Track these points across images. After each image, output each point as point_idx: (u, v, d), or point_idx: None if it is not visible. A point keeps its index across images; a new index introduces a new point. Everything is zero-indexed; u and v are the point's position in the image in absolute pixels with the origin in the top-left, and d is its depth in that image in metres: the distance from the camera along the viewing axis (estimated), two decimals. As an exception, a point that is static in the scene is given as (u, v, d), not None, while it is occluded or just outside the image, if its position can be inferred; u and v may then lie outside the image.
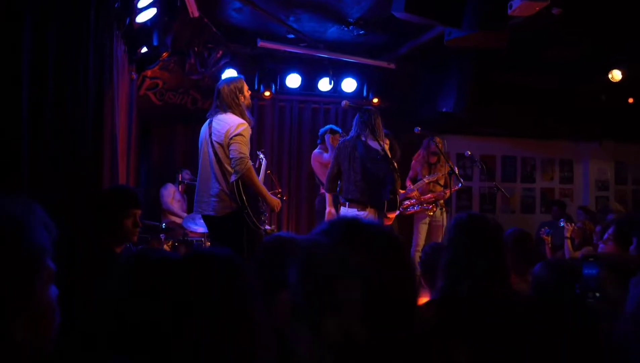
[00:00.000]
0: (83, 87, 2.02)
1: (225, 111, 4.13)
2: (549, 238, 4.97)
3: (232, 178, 3.99)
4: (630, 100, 8.58)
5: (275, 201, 4.28)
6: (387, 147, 5.86)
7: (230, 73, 6.90)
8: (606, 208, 8.91)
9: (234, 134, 3.98)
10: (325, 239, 0.96)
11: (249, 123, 4.15)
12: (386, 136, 5.48)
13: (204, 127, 4.29)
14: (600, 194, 10.06)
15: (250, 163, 4.00)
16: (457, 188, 6.26)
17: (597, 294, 1.81)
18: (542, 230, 5.34)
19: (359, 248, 0.92)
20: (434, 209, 6.27)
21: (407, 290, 0.96)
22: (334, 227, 0.98)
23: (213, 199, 4.09)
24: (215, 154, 4.09)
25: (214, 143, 4.10)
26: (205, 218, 4.28)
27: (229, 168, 4.03)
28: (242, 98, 4.19)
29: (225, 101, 4.14)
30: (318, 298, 0.90)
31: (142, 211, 2.68)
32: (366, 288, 0.88)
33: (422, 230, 6.39)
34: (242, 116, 4.13)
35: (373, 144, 4.86)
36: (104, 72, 2.83)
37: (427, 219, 6.33)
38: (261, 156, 5.18)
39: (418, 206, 6.25)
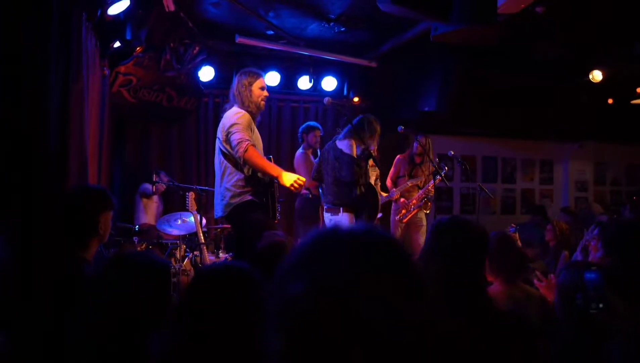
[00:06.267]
0: (42, 80, 1.82)
1: (231, 105, 4.08)
2: (517, 235, 4.89)
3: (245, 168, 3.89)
4: (610, 101, 8.63)
5: (289, 176, 3.84)
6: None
7: (207, 70, 6.73)
8: (588, 210, 8.92)
9: (229, 125, 3.88)
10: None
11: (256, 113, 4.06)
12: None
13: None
14: (579, 195, 10.10)
15: (247, 144, 3.78)
16: (435, 182, 6.19)
17: (601, 305, 1.67)
18: (510, 228, 5.29)
19: None
20: (429, 204, 6.21)
21: None
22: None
23: (219, 199, 4.02)
24: (220, 150, 4.02)
25: (218, 137, 4.04)
26: (224, 221, 4.24)
27: (232, 163, 3.93)
28: (247, 92, 4.04)
29: (232, 93, 4.09)
30: None
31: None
32: None
33: (397, 233, 6.39)
34: (246, 108, 4.01)
35: (341, 144, 4.81)
36: (70, 65, 2.62)
37: (403, 223, 6.32)
38: None
39: (413, 208, 6.22)
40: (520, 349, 1.74)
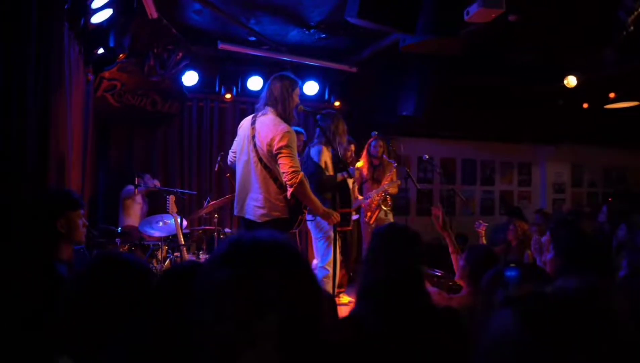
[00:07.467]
0: (20, 86, 1.95)
1: (268, 110, 3.96)
2: (483, 231, 5.02)
3: (288, 192, 3.86)
4: (585, 105, 8.84)
5: (330, 213, 4.08)
6: (349, 154, 5.99)
7: (190, 75, 6.86)
8: (560, 212, 9.12)
9: (279, 146, 3.79)
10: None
11: (291, 122, 3.98)
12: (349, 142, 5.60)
13: (247, 124, 4.09)
14: (556, 196, 10.32)
15: (301, 175, 3.82)
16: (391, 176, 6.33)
17: None
18: (477, 223, 5.47)
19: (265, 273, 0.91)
20: (388, 200, 6.34)
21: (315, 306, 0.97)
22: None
23: (253, 203, 3.95)
24: (260, 159, 3.91)
25: (257, 147, 3.92)
26: (244, 221, 4.09)
27: (275, 175, 3.89)
28: (289, 98, 3.96)
29: (272, 96, 3.96)
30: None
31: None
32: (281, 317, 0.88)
33: (367, 234, 6.54)
34: (285, 115, 3.93)
35: (313, 151, 4.98)
36: (50, 71, 2.75)
37: (373, 226, 6.47)
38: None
39: (375, 208, 6.36)
40: (455, 342, 1.91)
